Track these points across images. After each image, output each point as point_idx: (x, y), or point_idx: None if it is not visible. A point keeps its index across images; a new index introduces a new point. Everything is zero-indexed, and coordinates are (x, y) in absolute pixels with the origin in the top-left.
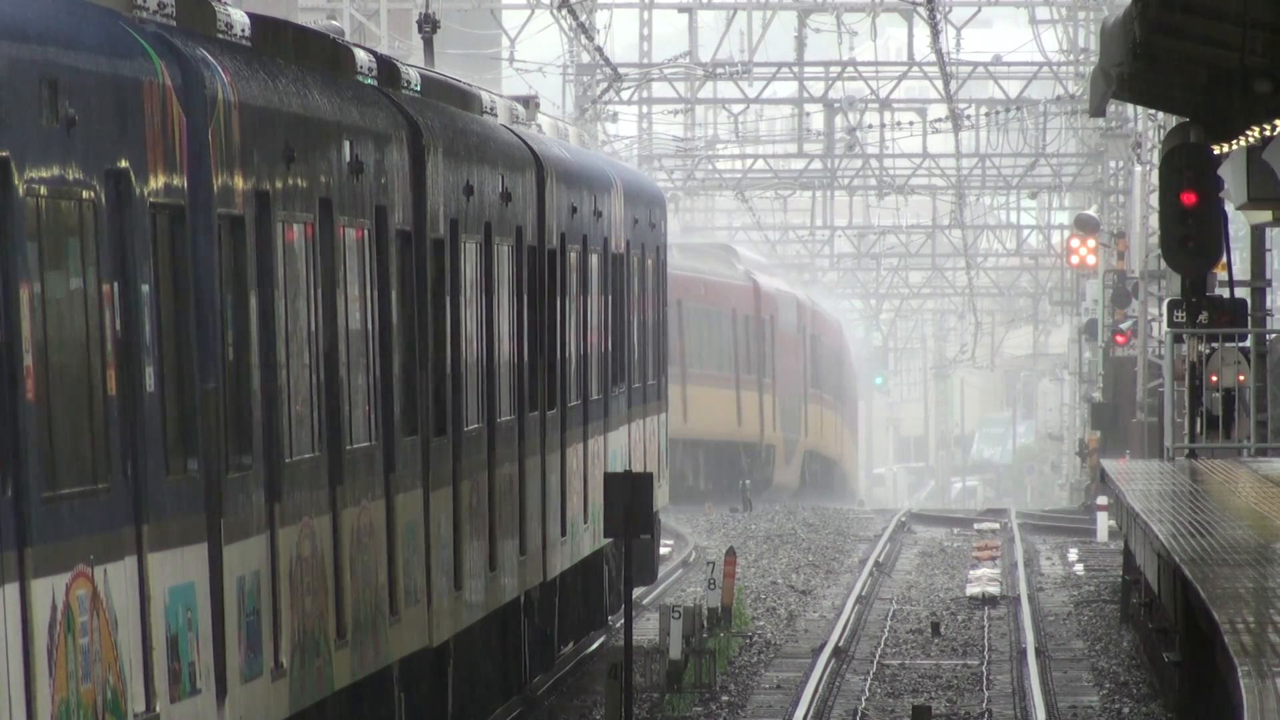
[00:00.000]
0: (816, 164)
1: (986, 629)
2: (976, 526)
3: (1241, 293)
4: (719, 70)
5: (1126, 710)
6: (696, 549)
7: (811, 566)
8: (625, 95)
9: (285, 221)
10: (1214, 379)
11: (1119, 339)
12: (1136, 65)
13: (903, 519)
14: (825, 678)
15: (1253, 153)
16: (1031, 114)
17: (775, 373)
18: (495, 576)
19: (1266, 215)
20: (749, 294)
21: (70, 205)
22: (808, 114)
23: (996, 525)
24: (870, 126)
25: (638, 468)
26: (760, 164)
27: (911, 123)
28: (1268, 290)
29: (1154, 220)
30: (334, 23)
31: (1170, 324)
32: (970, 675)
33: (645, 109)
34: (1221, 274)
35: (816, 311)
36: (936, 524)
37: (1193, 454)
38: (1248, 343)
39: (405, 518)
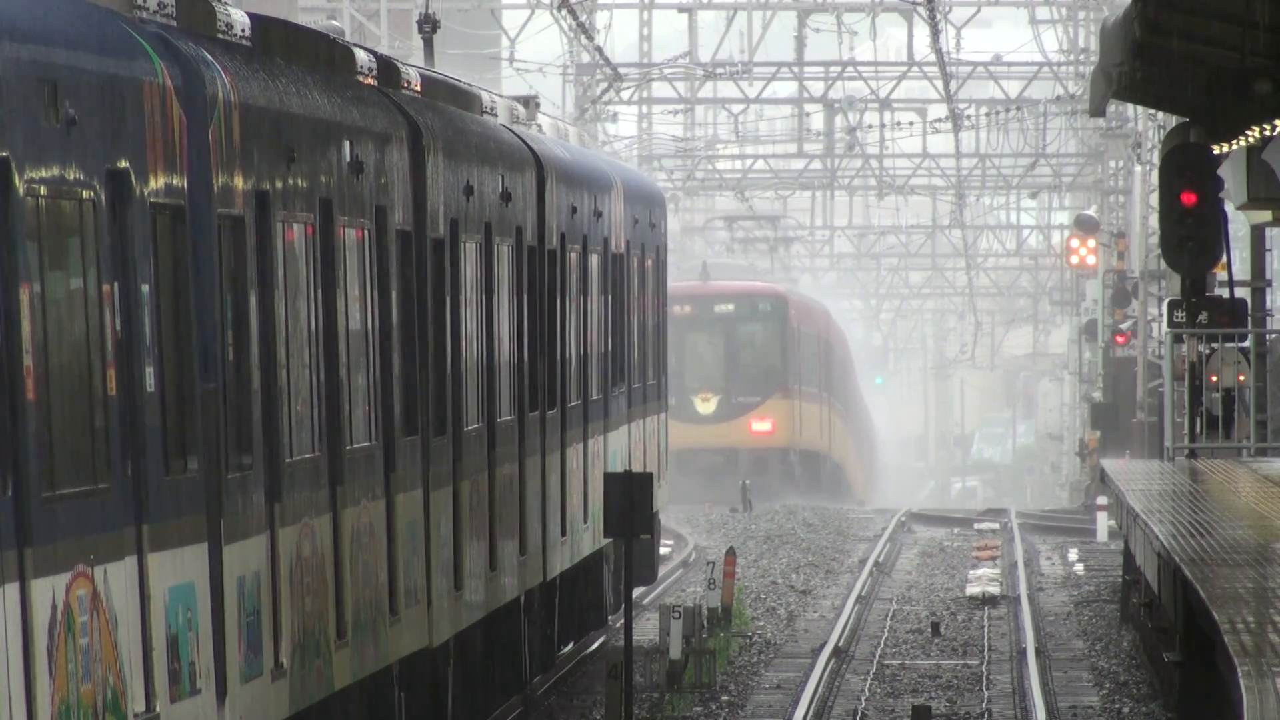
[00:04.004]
0: (816, 164)
1: (986, 629)
2: (976, 526)
3: (1241, 293)
4: (719, 70)
5: (1126, 710)
6: (696, 549)
7: (811, 566)
8: (625, 95)
9: (285, 221)
10: (1214, 379)
11: (1119, 339)
12: (1136, 65)
13: (902, 519)
14: (825, 678)
15: (1253, 153)
16: (1031, 114)
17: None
18: (495, 576)
19: (1266, 215)
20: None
21: (70, 205)
22: (808, 114)
23: (996, 525)
24: (870, 126)
25: (638, 468)
26: (760, 164)
27: (911, 123)
28: (1268, 290)
29: (1154, 220)
30: (334, 23)
31: (1170, 324)
32: (970, 675)
33: (645, 109)
34: (1221, 274)
35: None
36: (936, 524)
37: (1193, 454)
38: (1248, 343)
39: (405, 518)
